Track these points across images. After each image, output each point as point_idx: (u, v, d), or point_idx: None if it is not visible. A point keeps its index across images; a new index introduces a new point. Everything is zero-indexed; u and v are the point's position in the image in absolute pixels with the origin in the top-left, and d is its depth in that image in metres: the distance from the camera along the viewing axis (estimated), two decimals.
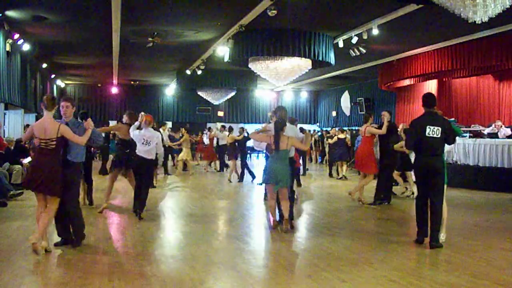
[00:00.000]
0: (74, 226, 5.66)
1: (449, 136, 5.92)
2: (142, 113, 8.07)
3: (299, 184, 11.97)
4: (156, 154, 8.14)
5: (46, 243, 5.39)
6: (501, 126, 13.35)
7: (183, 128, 17.42)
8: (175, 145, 15.90)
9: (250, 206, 9.59)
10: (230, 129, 14.72)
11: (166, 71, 21.08)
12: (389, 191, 9.60)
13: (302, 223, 7.97)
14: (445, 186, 6.12)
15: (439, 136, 5.83)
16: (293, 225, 7.04)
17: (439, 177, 5.89)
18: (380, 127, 9.32)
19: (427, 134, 5.85)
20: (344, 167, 15.06)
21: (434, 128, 5.83)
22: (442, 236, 6.10)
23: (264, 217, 8.48)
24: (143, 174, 7.83)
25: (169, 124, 24.53)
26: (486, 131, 13.43)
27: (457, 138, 6.56)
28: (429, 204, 6.00)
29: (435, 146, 5.86)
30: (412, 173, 9.27)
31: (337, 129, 17.85)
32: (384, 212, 8.71)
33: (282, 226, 6.75)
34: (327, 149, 21.51)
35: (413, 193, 10.04)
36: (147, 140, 7.75)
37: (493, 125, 13.51)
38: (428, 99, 6.10)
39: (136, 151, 7.85)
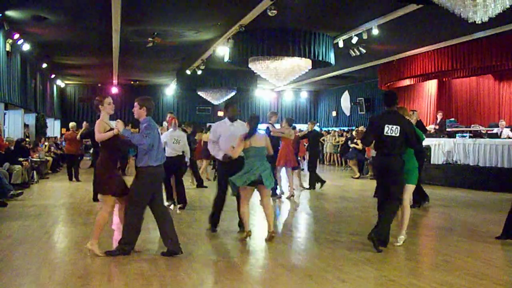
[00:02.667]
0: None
1: (410, 138, 5.72)
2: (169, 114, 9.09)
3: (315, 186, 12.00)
4: (183, 152, 8.82)
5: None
6: (504, 126, 13.38)
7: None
8: None
9: (250, 206, 9.57)
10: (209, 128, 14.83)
11: (166, 71, 21.09)
12: (421, 192, 9.07)
13: (303, 223, 7.98)
14: (412, 186, 6.00)
15: (397, 135, 5.66)
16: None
17: (396, 177, 5.72)
18: None
19: (385, 133, 5.70)
20: (355, 167, 15.11)
21: (392, 127, 5.67)
22: (400, 239, 5.91)
23: (263, 218, 8.48)
24: (178, 170, 8.64)
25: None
26: (495, 130, 13.39)
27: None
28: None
29: (393, 145, 5.69)
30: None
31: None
32: None
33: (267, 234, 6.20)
34: (328, 149, 21.61)
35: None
36: (177, 139, 8.57)
37: (499, 125, 13.51)
38: (387, 97, 5.97)
39: (169, 151, 8.35)
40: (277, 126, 11.03)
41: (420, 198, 9.01)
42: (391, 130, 5.68)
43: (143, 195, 5.27)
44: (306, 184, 12.04)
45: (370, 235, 5.62)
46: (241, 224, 6.52)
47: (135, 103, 5.33)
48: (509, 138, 12.64)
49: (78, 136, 12.33)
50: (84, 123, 13.11)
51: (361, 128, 17.03)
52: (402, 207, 5.96)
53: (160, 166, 5.34)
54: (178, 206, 8.71)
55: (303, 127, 20.51)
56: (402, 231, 5.97)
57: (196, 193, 11.17)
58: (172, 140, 8.56)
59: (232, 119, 6.64)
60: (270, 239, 6.10)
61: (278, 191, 10.44)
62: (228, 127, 6.58)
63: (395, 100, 5.97)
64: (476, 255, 5.53)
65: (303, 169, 12.65)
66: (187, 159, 9.39)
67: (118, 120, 5.31)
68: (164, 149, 8.44)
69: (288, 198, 10.21)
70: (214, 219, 6.71)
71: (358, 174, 14.93)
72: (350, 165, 15.23)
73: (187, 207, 8.91)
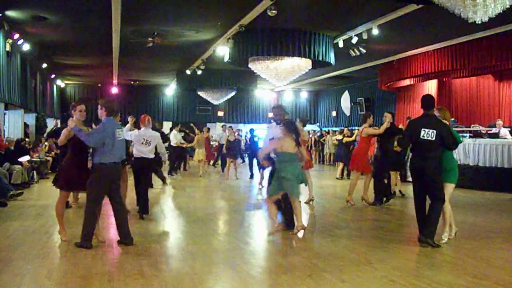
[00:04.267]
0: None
1: (447, 141, 5.86)
2: (130, 116, 8.46)
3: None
4: (158, 153, 8.19)
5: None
6: (501, 126, 13.38)
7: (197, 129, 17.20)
8: (187, 145, 16.02)
9: (251, 206, 9.59)
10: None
11: (166, 71, 21.08)
12: (381, 192, 9.35)
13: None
14: (451, 185, 6.11)
15: (433, 139, 5.82)
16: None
17: (434, 179, 5.86)
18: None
19: (421, 136, 5.87)
20: (340, 167, 15.16)
21: (428, 131, 5.84)
22: (444, 236, 6.10)
23: (264, 217, 8.49)
24: (145, 174, 7.92)
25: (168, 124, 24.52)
26: (493, 130, 13.39)
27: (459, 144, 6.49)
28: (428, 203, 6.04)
29: (428, 149, 5.86)
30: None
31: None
32: (384, 212, 8.70)
33: (293, 230, 6.49)
34: (328, 149, 21.65)
35: (400, 192, 10.60)
36: (147, 140, 7.76)
37: (496, 125, 13.51)
38: (426, 101, 6.11)
39: (135, 152, 7.83)
40: None
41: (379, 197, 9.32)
42: (427, 134, 5.84)
43: (96, 191, 5.61)
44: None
45: (420, 239, 5.80)
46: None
47: (98, 105, 5.75)
48: (505, 138, 12.61)
49: (45, 136, 12.23)
50: (56, 121, 13.00)
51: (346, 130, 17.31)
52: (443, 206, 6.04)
53: (114, 164, 5.65)
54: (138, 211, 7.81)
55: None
56: (445, 229, 6.14)
57: (196, 195, 11.19)
58: (140, 140, 7.74)
59: (278, 122, 6.79)
60: (296, 232, 6.39)
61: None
62: (275, 130, 6.70)
63: (433, 104, 6.12)
64: (476, 255, 5.54)
65: None
66: (164, 160, 8.79)
67: (71, 118, 5.72)
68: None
69: (307, 202, 9.41)
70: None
71: (339, 176, 14.95)
72: (338, 166, 15.32)
73: (187, 207, 8.90)
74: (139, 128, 8.08)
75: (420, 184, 6.00)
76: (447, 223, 6.16)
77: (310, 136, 22.74)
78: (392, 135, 9.08)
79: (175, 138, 15.22)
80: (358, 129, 15.70)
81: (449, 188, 6.10)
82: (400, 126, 10.77)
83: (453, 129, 6.64)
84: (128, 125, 8.25)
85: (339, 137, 15.81)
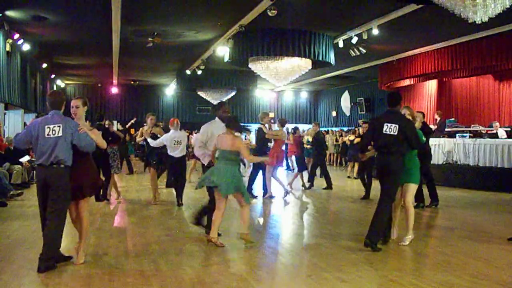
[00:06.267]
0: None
1: (410, 137, 5.72)
2: (151, 116, 9.10)
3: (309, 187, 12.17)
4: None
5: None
6: (498, 127, 13.41)
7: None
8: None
9: (250, 206, 9.58)
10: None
11: (166, 71, 21.09)
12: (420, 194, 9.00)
13: (303, 223, 7.99)
14: (414, 186, 6.00)
15: (395, 134, 5.70)
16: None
17: (391, 176, 5.72)
18: None
19: (384, 131, 5.76)
20: (355, 167, 15.10)
21: (391, 126, 5.72)
22: (407, 239, 5.92)
23: (261, 216, 8.49)
24: (181, 170, 8.94)
25: None
26: (493, 130, 13.40)
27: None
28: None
29: (391, 143, 5.72)
30: None
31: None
32: None
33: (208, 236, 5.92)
34: (328, 149, 21.60)
35: None
36: (178, 140, 8.63)
37: (493, 126, 13.54)
38: (390, 98, 6.06)
39: (169, 152, 8.65)
40: (274, 126, 10.93)
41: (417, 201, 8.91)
42: (390, 129, 5.73)
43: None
44: (302, 185, 12.31)
45: (365, 242, 5.65)
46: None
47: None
48: (502, 138, 12.62)
49: None
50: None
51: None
52: (405, 207, 5.98)
53: (40, 167, 4.82)
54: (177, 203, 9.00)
55: (304, 127, 20.56)
56: (409, 231, 5.98)
57: (196, 195, 11.17)
58: (172, 142, 8.64)
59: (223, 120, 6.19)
60: (208, 241, 5.85)
61: (280, 192, 10.42)
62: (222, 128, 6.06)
63: (398, 101, 6.03)
64: (476, 255, 5.54)
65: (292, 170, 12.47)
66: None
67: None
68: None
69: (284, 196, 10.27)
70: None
71: (356, 175, 14.88)
72: (352, 165, 15.22)
73: (186, 207, 8.90)
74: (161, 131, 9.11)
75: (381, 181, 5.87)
76: (410, 225, 5.96)
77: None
78: (426, 135, 8.69)
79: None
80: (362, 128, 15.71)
81: (413, 189, 6.01)
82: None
83: (418, 129, 6.50)
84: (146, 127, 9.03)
85: (351, 137, 15.77)
